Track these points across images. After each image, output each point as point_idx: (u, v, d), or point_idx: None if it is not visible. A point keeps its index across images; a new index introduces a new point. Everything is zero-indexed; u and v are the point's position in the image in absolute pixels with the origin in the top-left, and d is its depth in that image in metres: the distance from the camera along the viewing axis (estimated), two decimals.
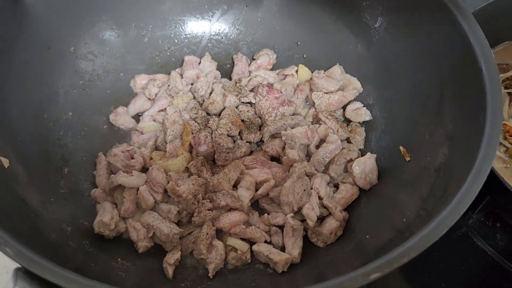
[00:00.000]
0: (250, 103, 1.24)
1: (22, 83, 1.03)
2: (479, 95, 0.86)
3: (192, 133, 1.16)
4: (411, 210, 0.94)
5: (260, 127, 1.21)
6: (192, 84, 1.29)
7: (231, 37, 1.37)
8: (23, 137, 1.00)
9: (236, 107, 1.23)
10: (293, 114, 1.24)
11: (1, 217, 0.68)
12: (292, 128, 1.17)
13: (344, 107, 1.25)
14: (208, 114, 1.24)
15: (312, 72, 1.30)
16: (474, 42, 0.92)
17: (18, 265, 0.62)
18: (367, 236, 0.98)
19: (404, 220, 0.92)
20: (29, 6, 1.03)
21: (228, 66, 1.37)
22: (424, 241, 0.67)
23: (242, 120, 1.20)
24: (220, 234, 1.04)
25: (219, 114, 1.22)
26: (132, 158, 1.11)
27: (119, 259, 0.95)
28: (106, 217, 0.97)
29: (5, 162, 0.90)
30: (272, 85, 1.25)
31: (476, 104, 0.87)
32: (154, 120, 1.22)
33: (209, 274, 0.96)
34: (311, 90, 1.27)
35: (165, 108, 1.21)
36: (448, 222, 0.69)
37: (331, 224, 1.02)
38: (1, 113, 0.95)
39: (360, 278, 0.63)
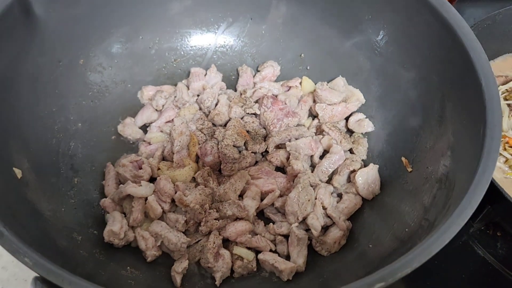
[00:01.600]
0: (255, 114, 1.27)
1: (33, 95, 1.06)
2: (479, 109, 0.88)
3: (199, 144, 1.19)
4: (413, 220, 0.96)
5: (265, 138, 1.23)
6: (198, 95, 1.31)
7: (236, 49, 1.40)
8: (35, 148, 1.02)
9: (241, 118, 1.26)
10: (297, 125, 1.26)
11: (17, 227, 0.70)
12: (296, 139, 1.20)
13: (347, 119, 1.27)
14: (214, 125, 1.26)
15: (315, 84, 1.32)
16: (474, 58, 0.94)
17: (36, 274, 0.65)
18: (370, 245, 1.01)
19: (407, 230, 0.95)
20: (41, 20, 1.06)
21: (233, 77, 1.39)
22: (427, 252, 0.69)
23: (247, 131, 1.23)
24: (226, 243, 1.06)
25: (225, 125, 1.25)
26: (140, 168, 1.13)
27: (128, 268, 0.97)
28: (115, 227, 0.99)
29: (18, 173, 0.93)
30: (276, 96, 1.28)
31: (476, 117, 0.89)
32: (162, 131, 1.24)
33: (216, 283, 0.98)
34: (314, 101, 1.30)
35: (172, 119, 1.24)
36: (450, 232, 0.71)
37: (335, 234, 1.05)
38: (14, 124, 0.97)
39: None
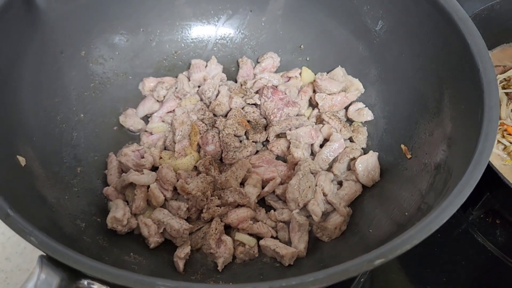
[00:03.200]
0: (255, 104, 1.28)
1: (36, 86, 1.07)
2: (477, 93, 0.90)
3: (200, 134, 1.20)
4: (411, 205, 0.97)
5: (266, 127, 1.25)
6: (199, 86, 1.33)
7: (236, 41, 1.41)
8: (38, 137, 1.03)
9: (242, 108, 1.27)
10: (297, 115, 1.27)
11: (23, 210, 0.71)
12: (296, 128, 1.21)
13: (346, 108, 1.29)
14: (214, 115, 1.28)
15: (315, 74, 1.34)
16: (471, 43, 0.95)
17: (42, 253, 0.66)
18: (370, 230, 1.02)
19: (406, 214, 0.96)
20: (43, 12, 1.07)
21: (233, 69, 1.41)
22: (426, 229, 0.70)
23: (248, 121, 1.24)
24: (228, 230, 1.08)
25: (226, 115, 1.26)
26: (143, 157, 1.15)
27: (132, 254, 0.98)
28: (118, 213, 1.00)
29: (22, 161, 0.94)
30: (276, 87, 1.29)
31: (474, 102, 0.90)
32: (163, 121, 1.25)
33: (218, 268, 0.99)
34: (314, 91, 1.31)
35: (174, 110, 1.25)
36: (448, 211, 0.72)
37: (335, 220, 1.06)
38: (17, 114, 0.98)
39: (365, 263, 0.67)
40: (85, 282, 0.65)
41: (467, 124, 0.92)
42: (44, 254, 0.66)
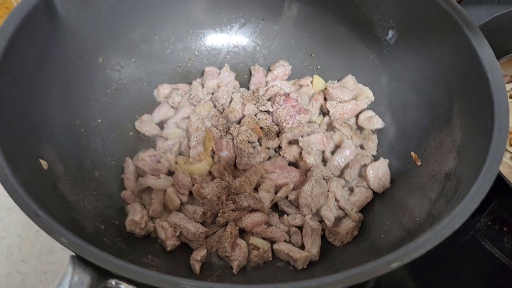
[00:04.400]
0: (267, 111, 1.31)
1: (57, 91, 1.09)
2: (486, 102, 0.92)
3: (214, 139, 1.23)
4: (422, 212, 0.99)
5: (278, 134, 1.27)
6: (212, 93, 1.35)
7: (248, 50, 1.44)
8: (59, 141, 1.06)
9: (255, 115, 1.30)
10: (309, 122, 1.30)
11: (50, 211, 0.74)
12: (308, 135, 1.24)
13: (357, 116, 1.31)
14: (227, 121, 1.30)
15: (326, 82, 1.36)
16: (480, 53, 0.98)
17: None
18: (381, 236, 1.04)
19: (417, 220, 0.98)
20: (64, 19, 1.09)
21: (245, 76, 1.44)
22: (441, 234, 0.72)
23: (261, 127, 1.27)
24: (242, 234, 1.10)
25: (239, 122, 1.29)
26: (159, 162, 1.17)
27: (149, 256, 1.00)
28: (137, 216, 1.03)
29: (44, 164, 0.97)
30: (288, 94, 1.32)
31: (484, 111, 0.92)
32: (178, 127, 1.28)
33: (233, 271, 1.02)
34: (325, 99, 1.34)
35: (189, 116, 1.28)
36: (461, 218, 0.74)
37: (347, 225, 1.08)
38: (42, 119, 1.01)
39: (381, 266, 0.69)
40: (113, 281, 0.67)
41: (477, 133, 0.94)
42: (74, 254, 0.68)
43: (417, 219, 0.99)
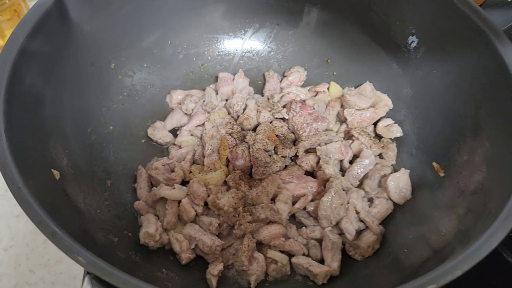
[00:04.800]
0: (283, 118, 1.28)
1: (69, 97, 1.07)
2: None
3: (229, 148, 1.19)
4: (447, 227, 0.95)
5: (294, 142, 1.24)
6: (226, 100, 1.32)
7: (262, 55, 1.41)
8: (71, 149, 1.03)
9: (270, 123, 1.26)
10: (326, 130, 1.27)
11: (65, 226, 0.71)
12: (326, 143, 1.20)
13: (375, 124, 1.28)
14: (242, 129, 1.27)
15: (342, 89, 1.33)
16: (508, 60, 0.94)
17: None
18: (404, 250, 1.00)
19: (443, 235, 0.94)
20: (76, 25, 1.07)
21: (259, 82, 1.40)
22: (477, 254, 0.69)
23: (277, 135, 1.23)
24: (259, 246, 1.07)
25: (253, 129, 1.26)
26: (173, 171, 1.14)
27: (164, 270, 0.97)
28: (151, 229, 1.00)
29: (56, 174, 0.94)
30: (304, 101, 1.29)
31: None
32: (192, 135, 1.25)
33: (251, 286, 0.98)
34: (342, 106, 1.30)
35: (203, 123, 1.24)
36: (500, 233, 0.71)
37: (368, 238, 1.05)
38: (54, 127, 0.98)
39: None
40: None
41: (506, 143, 0.91)
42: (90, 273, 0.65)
43: (443, 234, 0.94)
